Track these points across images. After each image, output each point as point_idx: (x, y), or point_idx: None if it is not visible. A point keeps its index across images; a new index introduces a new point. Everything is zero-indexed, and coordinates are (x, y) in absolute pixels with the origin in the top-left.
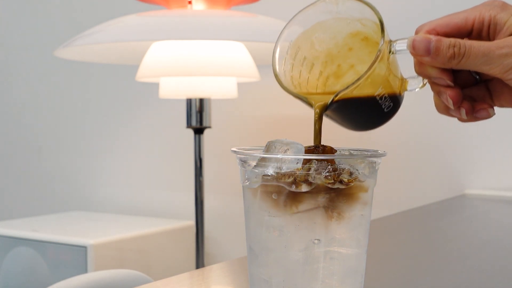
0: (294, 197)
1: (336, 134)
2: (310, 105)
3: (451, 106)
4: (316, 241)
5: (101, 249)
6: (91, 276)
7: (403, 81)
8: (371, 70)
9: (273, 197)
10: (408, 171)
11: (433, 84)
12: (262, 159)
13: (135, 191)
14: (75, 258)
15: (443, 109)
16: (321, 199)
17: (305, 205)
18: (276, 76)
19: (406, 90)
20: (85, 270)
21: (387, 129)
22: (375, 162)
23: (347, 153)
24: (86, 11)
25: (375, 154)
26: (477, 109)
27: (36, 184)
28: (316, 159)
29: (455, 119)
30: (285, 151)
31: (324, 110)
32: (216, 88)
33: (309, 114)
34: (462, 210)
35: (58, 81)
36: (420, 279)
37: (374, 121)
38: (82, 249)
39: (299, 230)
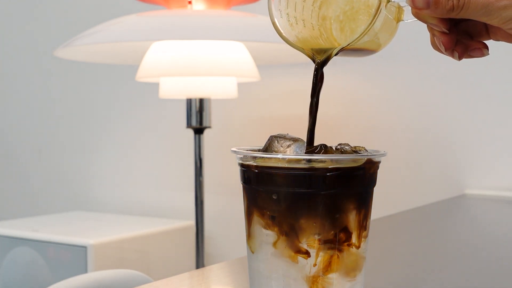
0: (294, 197)
1: (337, 134)
2: (307, 54)
3: (444, 51)
4: (316, 235)
5: (101, 249)
6: (91, 276)
7: (399, 9)
8: (370, 26)
9: (273, 197)
10: (408, 171)
11: (429, 27)
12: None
13: (135, 191)
14: (75, 258)
15: (437, 48)
16: (321, 198)
17: (305, 204)
18: (273, 24)
19: (402, 20)
20: (85, 270)
21: (387, 129)
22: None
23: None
24: (86, 11)
25: (375, 154)
26: (471, 48)
27: (36, 184)
28: (317, 158)
29: (455, 120)
30: (288, 147)
31: (324, 65)
32: (216, 88)
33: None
34: (462, 210)
35: (58, 81)
36: (420, 279)
37: (370, 53)
38: (82, 249)
39: (299, 228)
